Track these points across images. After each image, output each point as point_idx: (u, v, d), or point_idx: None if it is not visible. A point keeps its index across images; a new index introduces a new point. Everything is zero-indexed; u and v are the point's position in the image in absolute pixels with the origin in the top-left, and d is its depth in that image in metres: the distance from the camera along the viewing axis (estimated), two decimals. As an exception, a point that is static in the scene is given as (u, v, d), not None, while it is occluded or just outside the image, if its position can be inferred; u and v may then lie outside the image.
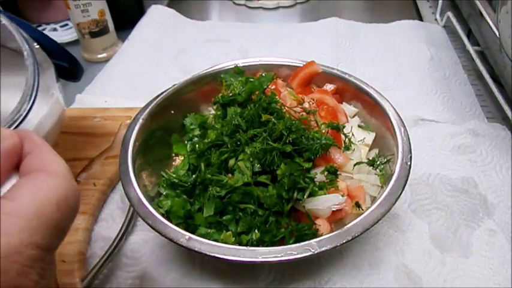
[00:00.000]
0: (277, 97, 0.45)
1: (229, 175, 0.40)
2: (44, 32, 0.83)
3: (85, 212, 0.45)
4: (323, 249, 0.33)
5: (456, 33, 0.75)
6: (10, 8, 0.84)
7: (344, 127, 0.46)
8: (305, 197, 0.38)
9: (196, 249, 0.34)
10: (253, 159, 0.39)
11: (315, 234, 0.37)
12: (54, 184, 0.22)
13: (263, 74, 0.50)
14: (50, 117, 0.40)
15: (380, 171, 0.44)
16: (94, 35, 0.73)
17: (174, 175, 0.43)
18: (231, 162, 0.40)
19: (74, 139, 0.54)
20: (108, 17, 0.73)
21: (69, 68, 0.48)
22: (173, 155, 0.48)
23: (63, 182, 0.22)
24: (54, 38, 0.80)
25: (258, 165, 0.39)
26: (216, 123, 0.46)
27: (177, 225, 0.36)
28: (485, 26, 0.62)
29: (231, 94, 0.46)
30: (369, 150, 0.47)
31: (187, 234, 0.34)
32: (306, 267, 0.42)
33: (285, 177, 0.38)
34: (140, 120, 0.45)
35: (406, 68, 0.70)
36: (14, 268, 0.18)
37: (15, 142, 0.23)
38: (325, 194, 0.39)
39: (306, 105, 0.46)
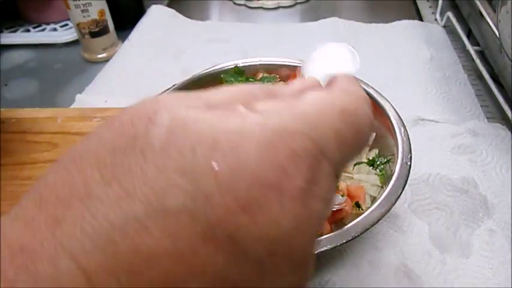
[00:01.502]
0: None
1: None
2: (44, 32, 0.84)
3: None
4: (323, 249, 0.33)
5: (456, 33, 0.75)
6: (10, 8, 0.84)
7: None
8: (305, 197, 0.38)
9: None
10: None
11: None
12: (341, 97, 0.18)
13: (265, 75, 0.50)
14: None
15: (380, 171, 0.44)
16: (94, 35, 0.73)
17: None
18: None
19: (73, 139, 0.54)
20: (108, 17, 0.73)
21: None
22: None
23: (353, 99, 0.18)
24: (54, 38, 0.81)
25: None
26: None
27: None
28: (485, 26, 0.62)
29: None
30: (369, 150, 0.47)
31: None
32: (306, 267, 0.42)
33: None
34: (140, 120, 0.45)
35: (406, 68, 0.70)
36: (282, 152, 0.14)
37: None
38: (325, 194, 0.39)
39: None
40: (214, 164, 0.14)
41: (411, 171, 0.40)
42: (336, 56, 0.29)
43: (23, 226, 0.13)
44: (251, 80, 0.49)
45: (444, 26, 0.80)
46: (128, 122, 0.15)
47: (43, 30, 0.84)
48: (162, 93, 0.49)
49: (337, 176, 0.17)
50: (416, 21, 0.82)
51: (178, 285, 0.13)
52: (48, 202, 0.14)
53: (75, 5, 0.69)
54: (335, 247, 0.34)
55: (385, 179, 0.42)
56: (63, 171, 0.15)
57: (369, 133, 0.19)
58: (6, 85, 0.72)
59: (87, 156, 0.14)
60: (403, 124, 0.44)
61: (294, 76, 0.53)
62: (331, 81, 0.21)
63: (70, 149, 0.16)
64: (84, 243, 0.12)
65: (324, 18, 0.82)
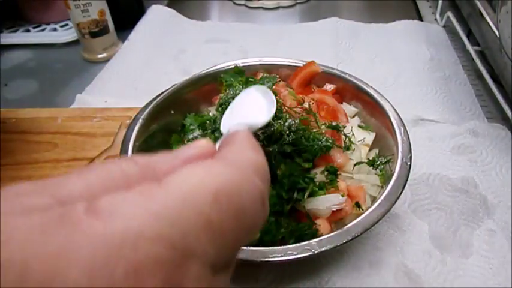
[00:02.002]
0: (277, 97, 0.45)
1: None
2: (44, 32, 0.84)
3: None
4: (323, 249, 0.33)
5: (456, 33, 0.75)
6: (10, 8, 0.84)
7: (344, 127, 0.46)
8: (305, 197, 0.38)
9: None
10: None
11: (315, 234, 0.37)
12: (218, 171, 0.15)
13: (265, 75, 0.50)
14: None
15: (380, 171, 0.44)
16: (94, 35, 0.73)
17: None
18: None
19: (73, 139, 0.54)
20: (108, 17, 0.73)
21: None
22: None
23: (234, 172, 0.16)
24: (54, 38, 0.81)
25: None
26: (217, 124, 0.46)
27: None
28: (485, 26, 0.62)
29: (235, 95, 0.46)
30: (369, 150, 0.48)
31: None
32: (306, 267, 0.42)
33: (285, 178, 0.38)
34: (140, 120, 0.45)
35: (406, 68, 0.70)
36: (120, 268, 0.12)
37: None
38: (325, 194, 0.39)
39: (306, 105, 0.46)
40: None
41: (411, 171, 0.40)
42: (252, 105, 0.29)
43: None
44: (251, 80, 0.49)
45: (444, 26, 0.80)
46: None
47: (43, 30, 0.84)
48: (162, 93, 0.49)
49: (223, 268, 0.15)
50: (416, 21, 0.82)
51: None
52: None
53: (75, 5, 0.69)
54: (335, 247, 0.34)
55: (385, 179, 0.42)
56: None
57: (257, 212, 0.16)
58: (6, 85, 0.72)
59: None
60: (403, 124, 0.44)
61: (295, 76, 0.53)
62: (224, 142, 0.19)
63: None
64: None
65: (324, 18, 0.82)
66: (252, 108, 0.29)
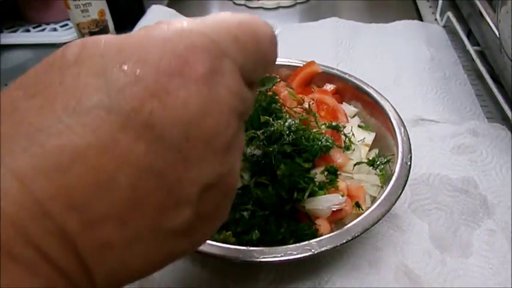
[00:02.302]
0: (277, 97, 0.45)
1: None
2: (44, 32, 0.84)
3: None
4: (323, 249, 0.33)
5: (456, 33, 0.75)
6: (10, 8, 0.84)
7: (344, 127, 0.46)
8: (305, 197, 0.38)
9: (196, 249, 0.34)
10: (251, 162, 0.39)
11: (315, 234, 0.37)
12: (241, 15, 0.20)
13: (265, 75, 0.50)
14: None
15: (380, 171, 0.44)
16: (94, 35, 0.73)
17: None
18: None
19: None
20: (108, 17, 0.73)
21: None
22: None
23: (254, 18, 0.20)
24: (54, 38, 0.81)
25: (257, 168, 0.39)
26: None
27: (177, 225, 0.36)
28: (485, 26, 0.62)
29: None
30: (369, 150, 0.48)
31: (187, 234, 0.34)
32: (306, 267, 0.42)
33: (285, 178, 0.38)
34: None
35: (406, 68, 0.70)
36: (181, 45, 0.16)
37: None
38: (325, 194, 0.39)
39: (306, 105, 0.46)
40: (123, 62, 0.15)
41: (411, 171, 0.40)
42: None
43: None
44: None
45: (444, 26, 0.80)
46: (47, 57, 0.16)
47: (43, 30, 0.84)
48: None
49: (249, 84, 0.19)
50: (416, 21, 0.82)
51: (106, 177, 0.14)
52: None
53: (75, 5, 0.69)
54: (335, 247, 0.34)
55: (385, 179, 0.42)
56: None
57: (270, 47, 0.20)
58: (6, 85, 0.72)
59: (12, 86, 0.16)
60: (403, 124, 0.44)
61: (295, 76, 0.53)
62: None
63: None
64: (12, 147, 0.13)
65: (324, 18, 0.82)
66: None
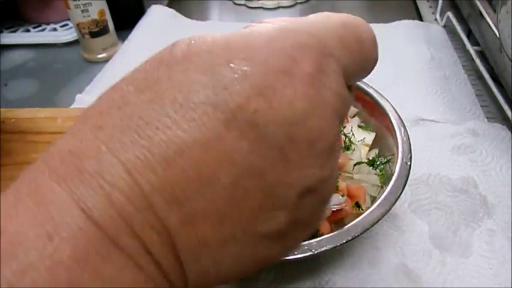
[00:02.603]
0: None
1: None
2: (44, 32, 0.84)
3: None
4: (323, 249, 0.33)
5: (456, 33, 0.75)
6: (10, 8, 0.84)
7: (344, 127, 0.46)
8: (305, 197, 0.38)
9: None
10: None
11: (315, 234, 0.37)
12: (343, 15, 0.20)
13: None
14: None
15: (380, 171, 0.44)
16: (94, 35, 0.73)
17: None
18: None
19: (73, 139, 0.53)
20: (108, 17, 0.73)
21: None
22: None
23: (356, 18, 0.20)
24: (54, 38, 0.81)
25: None
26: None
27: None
28: (485, 26, 0.62)
29: None
30: (369, 150, 0.47)
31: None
32: (306, 267, 0.42)
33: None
34: (140, 120, 0.45)
35: (406, 68, 0.70)
36: (288, 42, 0.16)
37: None
38: (325, 194, 0.39)
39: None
40: (230, 59, 0.15)
41: (411, 171, 0.40)
42: None
43: (70, 137, 0.15)
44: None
45: (444, 26, 0.80)
46: (156, 54, 0.17)
47: (43, 30, 0.84)
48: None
49: (347, 83, 0.18)
50: (416, 21, 0.82)
51: (208, 174, 0.14)
52: (91, 116, 0.15)
53: (75, 5, 0.69)
54: (335, 247, 0.34)
55: (385, 179, 0.42)
56: (103, 95, 0.16)
57: (372, 48, 0.20)
58: (6, 85, 0.72)
59: (122, 81, 0.16)
60: (403, 124, 0.44)
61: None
62: None
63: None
64: (121, 139, 0.14)
65: (324, 18, 0.82)
66: None
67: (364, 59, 0.19)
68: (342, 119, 0.18)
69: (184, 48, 0.16)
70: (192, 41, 0.16)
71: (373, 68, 0.21)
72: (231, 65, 0.15)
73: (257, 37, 0.16)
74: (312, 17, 0.18)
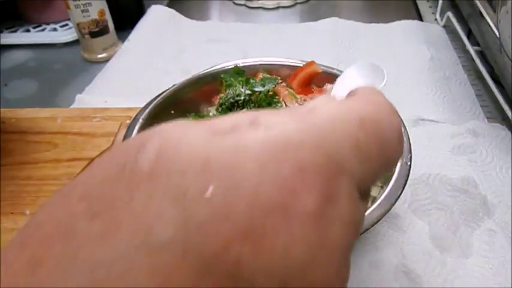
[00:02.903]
0: (278, 97, 0.45)
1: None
2: (44, 32, 0.84)
3: (85, 212, 0.45)
4: (323, 249, 0.33)
5: (456, 33, 0.75)
6: (10, 8, 0.84)
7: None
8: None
9: None
10: None
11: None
12: (359, 104, 0.15)
13: (265, 75, 0.50)
14: None
15: (380, 171, 0.44)
16: (94, 35, 0.73)
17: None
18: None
19: (74, 139, 0.54)
20: (108, 17, 0.73)
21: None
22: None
23: (374, 107, 0.16)
24: (54, 38, 0.81)
25: None
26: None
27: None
28: (485, 26, 0.62)
29: (235, 95, 0.46)
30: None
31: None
32: (306, 267, 0.42)
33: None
34: (140, 120, 0.45)
35: (406, 68, 0.70)
36: (286, 166, 0.12)
37: None
38: (325, 194, 0.39)
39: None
40: (207, 187, 0.12)
41: (411, 171, 0.40)
42: (362, 74, 0.29)
43: (3, 269, 0.12)
44: (252, 80, 0.49)
45: (444, 26, 0.80)
46: (119, 153, 0.14)
47: (43, 30, 0.84)
48: (162, 93, 0.49)
49: (363, 196, 0.15)
50: (416, 21, 0.82)
51: None
52: (31, 242, 0.12)
53: (75, 5, 0.69)
54: (335, 247, 0.34)
55: (385, 179, 0.42)
56: (50, 207, 0.13)
57: (397, 147, 0.16)
58: (6, 85, 0.72)
59: (75, 189, 0.13)
60: (403, 124, 0.44)
61: (295, 76, 0.53)
62: (351, 94, 0.18)
63: (65, 185, 0.14)
64: (68, 284, 0.11)
65: (324, 18, 0.82)
66: (364, 76, 0.28)
67: (386, 163, 0.16)
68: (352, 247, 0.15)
69: (153, 159, 0.13)
70: (163, 150, 0.13)
71: (395, 165, 0.18)
72: (209, 194, 0.12)
73: (244, 156, 0.12)
74: (321, 112, 0.14)
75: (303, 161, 0.13)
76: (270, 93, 0.46)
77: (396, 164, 0.16)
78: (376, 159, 0.15)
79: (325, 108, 0.15)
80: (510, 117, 0.56)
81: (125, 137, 0.43)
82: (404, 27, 0.80)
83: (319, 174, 0.13)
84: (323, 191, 0.12)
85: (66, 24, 0.84)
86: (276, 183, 0.12)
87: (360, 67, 0.29)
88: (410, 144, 0.42)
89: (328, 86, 0.52)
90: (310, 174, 0.12)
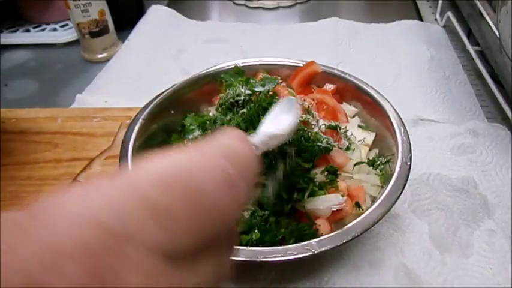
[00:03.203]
0: (278, 97, 0.45)
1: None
2: (44, 32, 0.84)
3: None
4: (323, 249, 0.33)
5: (456, 33, 0.75)
6: (10, 8, 0.84)
7: (345, 127, 0.46)
8: (305, 197, 0.38)
9: None
10: None
11: (315, 234, 0.37)
12: (176, 157, 0.15)
13: (265, 76, 0.50)
14: None
15: (380, 171, 0.44)
16: (94, 35, 0.73)
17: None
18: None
19: (74, 139, 0.54)
20: (108, 17, 0.73)
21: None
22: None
23: (194, 156, 0.15)
24: (54, 38, 0.81)
25: None
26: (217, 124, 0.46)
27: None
28: (485, 26, 0.62)
29: (235, 95, 0.46)
30: (369, 150, 0.47)
31: (187, 234, 0.34)
32: (306, 267, 0.42)
33: (284, 178, 0.38)
34: (140, 120, 0.45)
35: (406, 68, 0.70)
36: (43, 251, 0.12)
37: None
38: (325, 194, 0.39)
39: (306, 105, 0.46)
40: None
41: (411, 171, 0.40)
42: (278, 116, 0.31)
43: None
44: (252, 80, 0.49)
45: (444, 26, 0.80)
46: None
47: (43, 30, 0.84)
48: (162, 93, 0.49)
49: (181, 259, 0.14)
50: (416, 21, 0.82)
51: None
52: None
53: (75, 5, 0.69)
54: (335, 247, 0.34)
55: (385, 179, 0.42)
56: None
57: (220, 194, 0.15)
58: (6, 85, 0.72)
59: None
60: (403, 124, 0.44)
61: (295, 76, 0.53)
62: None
63: None
64: None
65: (324, 18, 0.82)
66: (277, 119, 0.30)
67: (206, 212, 0.15)
68: None
69: None
70: None
71: (229, 214, 0.16)
72: None
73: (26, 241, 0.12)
74: (116, 188, 0.14)
75: (61, 241, 0.12)
76: (270, 93, 0.46)
77: (229, 217, 0.16)
78: (189, 216, 0.14)
79: (131, 172, 0.14)
80: (510, 117, 0.56)
81: (125, 137, 0.43)
82: (404, 27, 0.80)
83: (85, 252, 0.12)
84: (89, 268, 0.12)
85: (66, 24, 0.84)
86: (43, 261, 0.12)
87: (280, 107, 0.31)
88: (410, 144, 0.42)
89: (328, 86, 0.52)
90: (68, 255, 0.12)
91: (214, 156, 0.16)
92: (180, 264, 0.14)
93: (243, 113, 0.43)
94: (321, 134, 0.43)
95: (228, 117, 0.45)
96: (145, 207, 0.13)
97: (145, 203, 0.13)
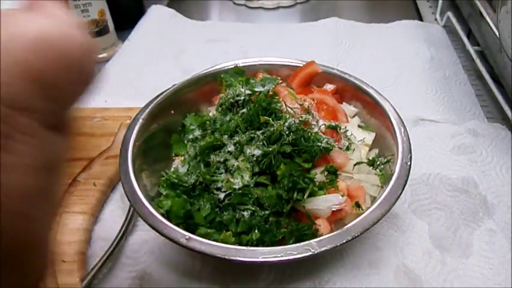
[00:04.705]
0: (277, 97, 0.45)
1: (228, 176, 0.40)
2: (44, 32, 0.83)
3: (85, 212, 0.45)
4: (323, 249, 0.33)
5: (456, 33, 0.75)
6: (10, 8, 0.84)
7: (344, 127, 0.46)
8: (305, 197, 0.38)
9: (196, 249, 0.34)
10: (251, 162, 0.40)
11: (315, 234, 0.37)
12: (39, 19, 0.15)
13: (265, 76, 0.50)
14: None
15: (380, 171, 0.44)
16: (94, 35, 0.73)
17: (174, 175, 0.43)
18: (230, 163, 0.41)
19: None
20: (108, 17, 0.73)
21: None
22: (173, 155, 0.48)
23: (56, 21, 0.15)
24: (54, 38, 0.81)
25: (257, 168, 0.39)
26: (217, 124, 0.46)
27: (177, 225, 0.36)
28: (485, 26, 0.62)
29: (235, 95, 0.46)
30: (369, 150, 0.47)
31: (187, 234, 0.34)
32: (306, 267, 0.42)
33: (284, 178, 0.38)
34: (140, 120, 0.45)
35: (406, 68, 0.70)
36: None
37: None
38: (325, 194, 0.39)
39: (306, 105, 0.46)
40: None
41: (411, 171, 0.40)
42: None
43: None
44: (252, 80, 0.49)
45: (444, 26, 0.80)
46: None
47: (43, 30, 0.84)
48: (162, 93, 0.49)
49: (56, 127, 0.14)
50: (416, 21, 0.82)
51: None
52: None
53: (75, 5, 0.69)
54: (335, 247, 0.34)
55: (385, 179, 0.42)
56: None
57: (86, 60, 0.16)
58: (6, 85, 0.72)
59: None
60: (403, 124, 0.44)
61: (294, 76, 0.53)
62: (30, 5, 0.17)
63: None
64: None
65: (324, 18, 0.82)
66: None
67: (77, 76, 0.15)
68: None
69: None
70: None
71: (92, 78, 0.17)
72: None
73: None
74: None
75: None
76: (270, 93, 0.46)
77: (90, 81, 0.17)
78: (64, 78, 0.14)
79: None
80: (510, 117, 0.56)
81: (125, 137, 0.43)
82: (404, 27, 0.80)
83: None
84: None
85: (66, 24, 0.84)
86: None
87: None
88: (410, 144, 0.42)
89: (328, 86, 0.52)
90: None
91: (72, 25, 0.16)
92: (54, 132, 0.15)
93: (243, 113, 0.43)
94: (321, 134, 0.43)
95: (228, 117, 0.45)
96: (22, 70, 0.13)
97: (21, 66, 0.13)
